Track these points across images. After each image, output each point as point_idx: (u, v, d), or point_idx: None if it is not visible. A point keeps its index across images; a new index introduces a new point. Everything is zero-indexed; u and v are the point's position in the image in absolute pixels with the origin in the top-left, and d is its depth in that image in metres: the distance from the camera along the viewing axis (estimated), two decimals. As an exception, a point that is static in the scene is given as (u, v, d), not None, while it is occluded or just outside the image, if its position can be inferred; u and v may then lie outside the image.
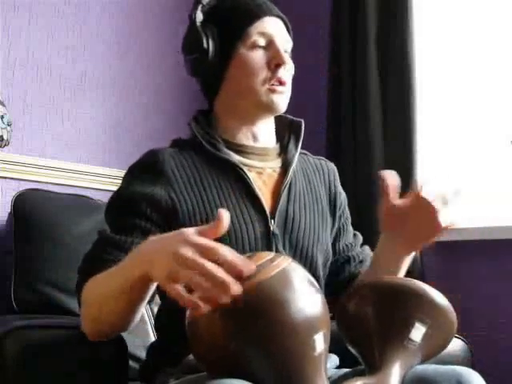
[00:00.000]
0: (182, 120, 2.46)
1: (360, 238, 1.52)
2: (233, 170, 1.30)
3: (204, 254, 0.92)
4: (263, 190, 1.32)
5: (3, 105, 1.93)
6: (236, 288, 0.91)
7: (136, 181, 1.27)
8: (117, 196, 1.30)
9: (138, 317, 1.17)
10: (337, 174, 1.49)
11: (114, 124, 2.30)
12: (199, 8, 1.33)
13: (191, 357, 1.16)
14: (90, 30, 2.26)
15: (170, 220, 1.24)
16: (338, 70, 2.28)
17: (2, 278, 1.78)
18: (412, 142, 2.09)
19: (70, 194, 1.98)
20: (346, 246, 1.46)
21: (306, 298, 0.99)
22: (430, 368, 1.13)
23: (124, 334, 1.44)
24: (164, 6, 2.46)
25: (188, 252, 0.92)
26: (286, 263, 1.02)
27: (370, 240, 2.10)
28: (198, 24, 1.32)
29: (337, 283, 1.40)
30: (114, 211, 1.28)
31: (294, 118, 1.43)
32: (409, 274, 1.69)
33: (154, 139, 2.36)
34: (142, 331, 1.82)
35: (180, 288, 0.92)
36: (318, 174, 1.45)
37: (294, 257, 1.27)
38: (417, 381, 1.11)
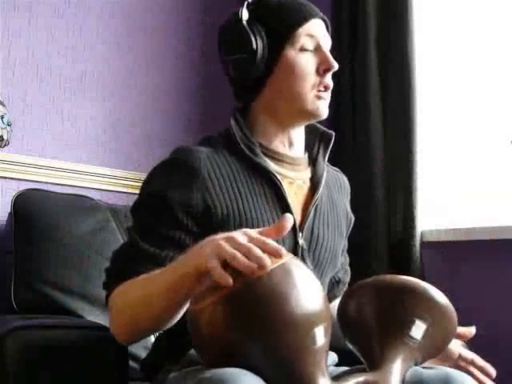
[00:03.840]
0: (181, 120, 2.48)
1: (348, 258, 1.54)
2: (268, 177, 1.28)
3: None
4: (294, 202, 1.30)
5: (3, 105, 1.93)
6: (267, 263, 0.95)
7: (171, 182, 1.22)
8: (151, 194, 1.24)
9: (178, 316, 1.12)
10: (349, 191, 1.49)
11: (114, 124, 2.30)
12: (245, 6, 1.28)
13: (191, 353, 1.16)
14: (90, 30, 2.26)
15: (204, 224, 1.21)
16: (338, 69, 2.28)
17: (2, 278, 1.78)
18: (412, 142, 2.09)
19: (70, 194, 1.98)
20: (341, 265, 1.49)
21: (306, 292, 0.99)
22: (423, 370, 1.13)
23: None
24: (163, 7, 2.46)
25: (240, 237, 0.97)
26: (286, 258, 1.02)
27: (368, 239, 2.11)
28: (245, 23, 1.26)
29: None
30: (147, 210, 1.23)
31: (326, 130, 1.40)
32: (409, 273, 1.69)
33: (153, 139, 2.37)
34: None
35: (217, 261, 0.95)
36: (338, 190, 1.45)
37: None
38: (408, 383, 1.10)
